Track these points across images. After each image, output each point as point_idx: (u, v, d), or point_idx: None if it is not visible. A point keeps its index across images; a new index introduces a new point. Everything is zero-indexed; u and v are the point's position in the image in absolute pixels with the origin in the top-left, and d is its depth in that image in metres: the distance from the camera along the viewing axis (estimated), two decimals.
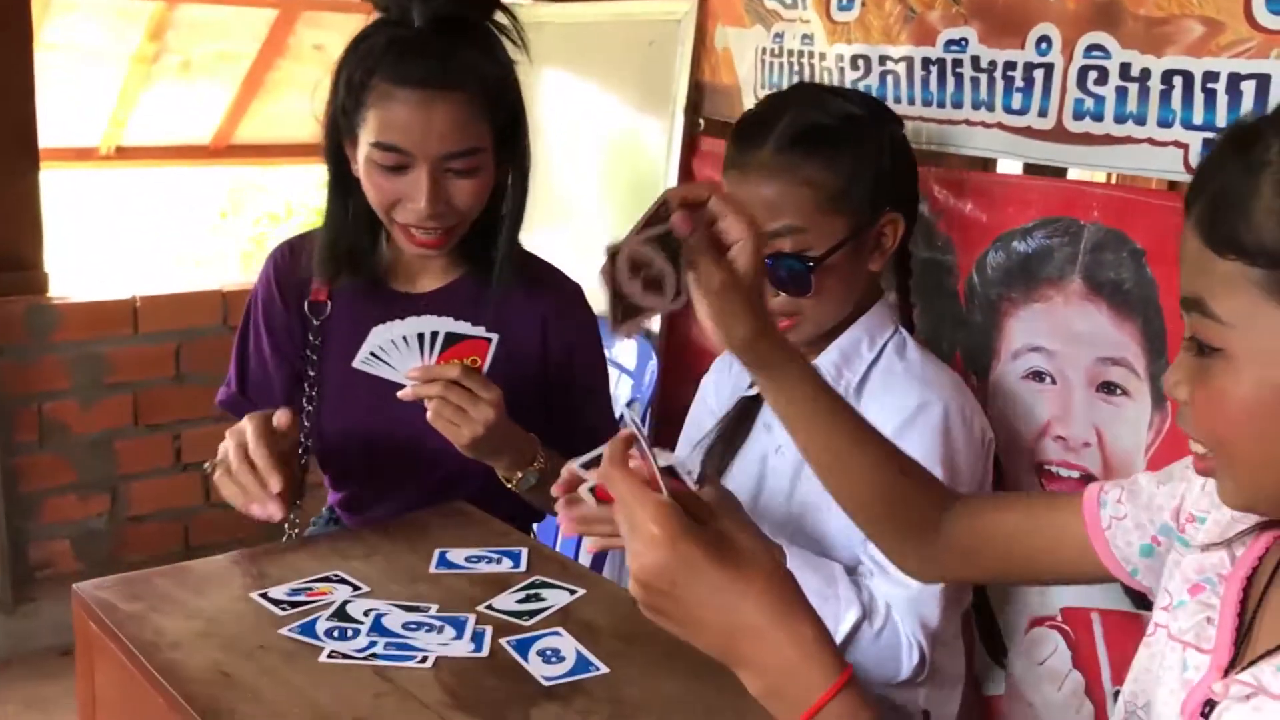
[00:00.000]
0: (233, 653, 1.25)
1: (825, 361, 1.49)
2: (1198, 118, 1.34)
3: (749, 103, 1.99)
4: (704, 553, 0.82)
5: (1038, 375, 1.58)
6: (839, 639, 1.37)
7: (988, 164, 1.67)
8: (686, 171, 2.14)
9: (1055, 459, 1.55)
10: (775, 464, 1.54)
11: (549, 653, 1.27)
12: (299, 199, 6.38)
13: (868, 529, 1.18)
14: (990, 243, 1.62)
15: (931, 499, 1.16)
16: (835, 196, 1.41)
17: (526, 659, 1.24)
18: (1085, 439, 1.52)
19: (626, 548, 0.84)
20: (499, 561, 1.50)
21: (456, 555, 1.51)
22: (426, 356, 1.50)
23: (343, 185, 1.64)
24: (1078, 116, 1.46)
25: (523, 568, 1.48)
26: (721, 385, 1.70)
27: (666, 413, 2.16)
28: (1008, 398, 1.58)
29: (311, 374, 1.71)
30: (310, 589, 1.40)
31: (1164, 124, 1.37)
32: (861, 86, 1.74)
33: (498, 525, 1.65)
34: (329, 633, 1.30)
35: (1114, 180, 1.65)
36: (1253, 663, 0.88)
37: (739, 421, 1.60)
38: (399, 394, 1.51)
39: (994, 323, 1.62)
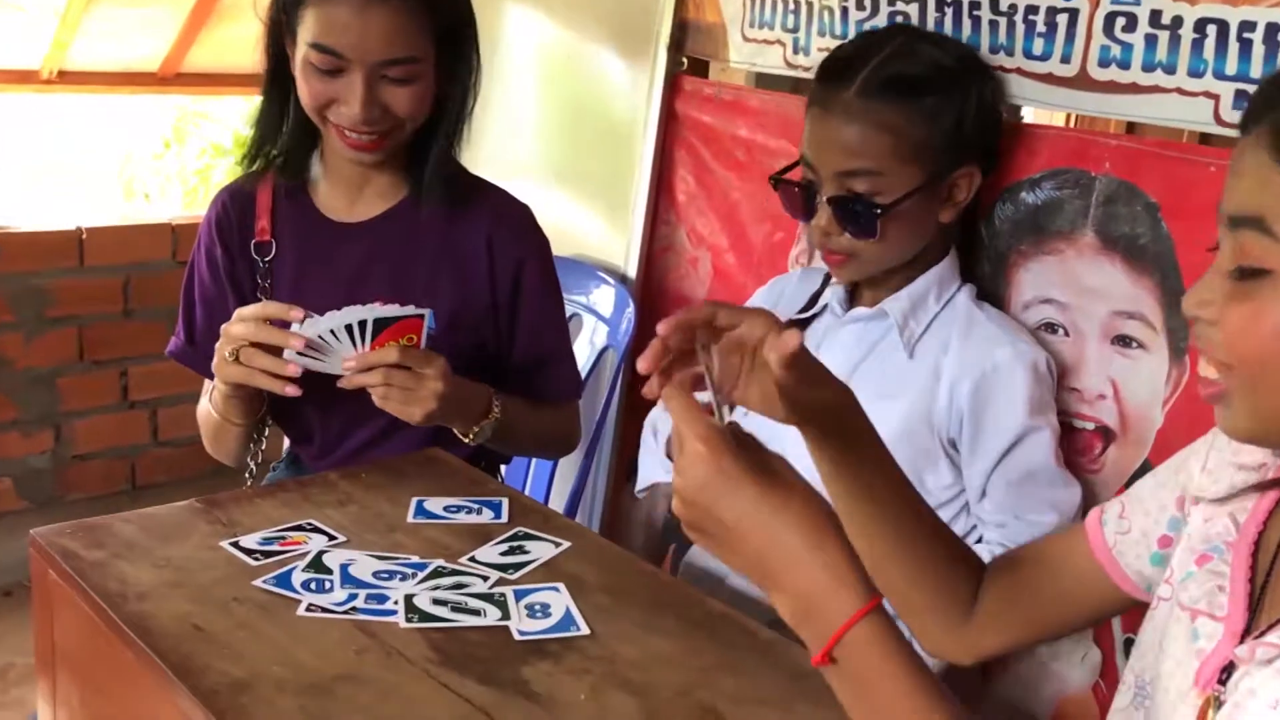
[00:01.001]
0: (205, 605, 1.17)
1: (894, 308, 1.48)
2: (1231, 68, 1.29)
3: (736, 41, 1.91)
4: (746, 472, 0.82)
5: (1050, 327, 1.53)
6: None
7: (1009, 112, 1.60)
8: (668, 113, 2.06)
9: (1070, 410, 1.51)
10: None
11: (536, 607, 1.21)
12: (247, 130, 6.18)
13: (904, 616, 1.13)
14: (998, 194, 1.56)
15: (968, 577, 1.13)
16: (914, 145, 1.40)
17: (511, 611, 1.19)
18: (1101, 391, 1.48)
19: (674, 465, 0.84)
20: (479, 512, 1.44)
21: (434, 505, 1.45)
22: (360, 345, 1.43)
23: (279, 84, 1.59)
24: (1103, 64, 1.40)
25: (504, 519, 1.42)
26: (766, 304, 1.63)
27: None
28: None
29: None
30: (284, 538, 1.33)
31: (1195, 74, 1.32)
32: (867, 27, 1.67)
33: (474, 473, 1.59)
34: (306, 585, 1.23)
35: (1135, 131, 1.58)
36: (1271, 627, 0.85)
37: None
38: (339, 384, 1.45)
39: (1003, 274, 1.57)
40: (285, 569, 1.25)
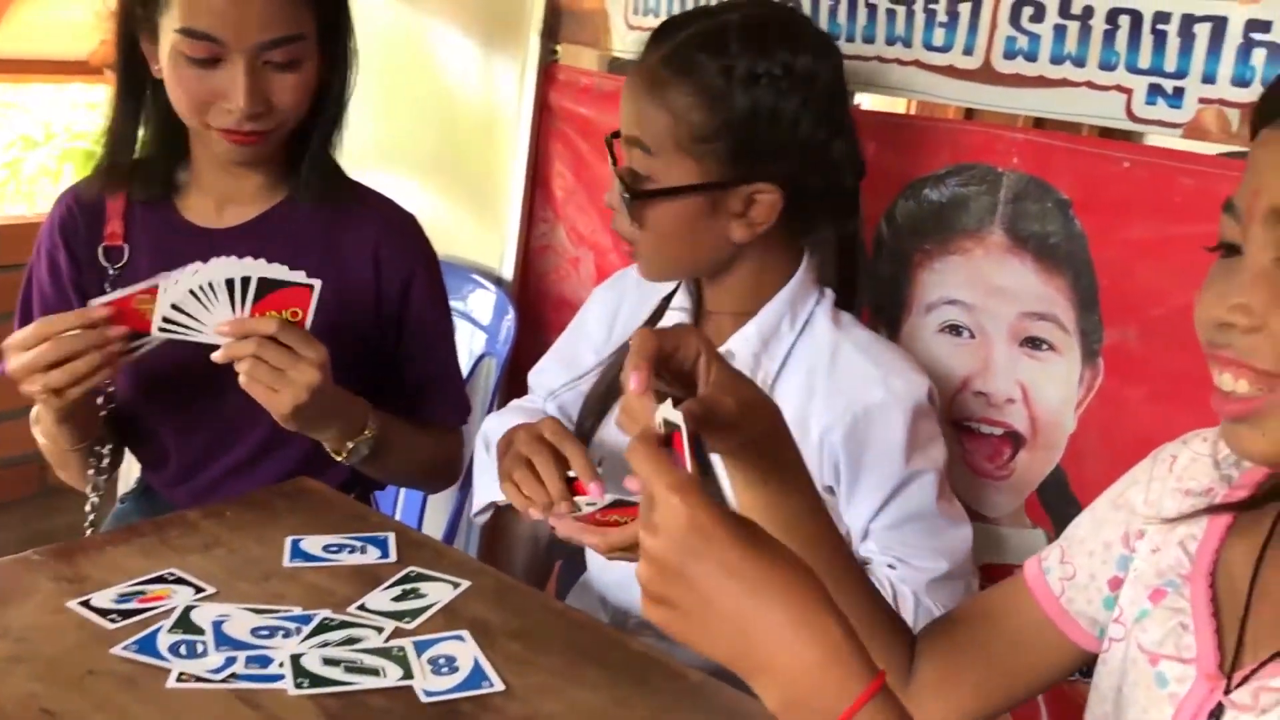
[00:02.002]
0: (54, 682, 1.02)
1: (742, 349, 1.30)
2: (1144, 62, 1.25)
3: (619, 29, 1.81)
4: (731, 537, 0.70)
5: (954, 329, 1.48)
6: None
7: (908, 106, 1.54)
8: (542, 105, 1.94)
9: (976, 415, 1.46)
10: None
11: (441, 660, 1.09)
12: (61, 121, 5.77)
13: None
14: (899, 190, 1.50)
15: (901, 641, 1.03)
16: (691, 133, 1.22)
17: (413, 668, 1.07)
18: (1009, 395, 1.44)
19: (642, 525, 0.72)
20: (363, 551, 1.30)
21: (312, 545, 1.30)
22: (238, 308, 1.28)
23: (133, 90, 1.42)
24: (1009, 56, 1.35)
25: (392, 557, 1.29)
26: (605, 316, 1.51)
27: (525, 368, 1.97)
28: (921, 352, 1.48)
29: None
30: (143, 593, 1.17)
31: (1106, 67, 1.28)
32: None
33: (353, 506, 1.45)
34: (174, 649, 1.08)
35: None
36: (1261, 666, 0.80)
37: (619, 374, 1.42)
38: (212, 356, 1.29)
39: (905, 274, 1.51)
40: (148, 631, 1.10)
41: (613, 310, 1.50)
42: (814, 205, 1.28)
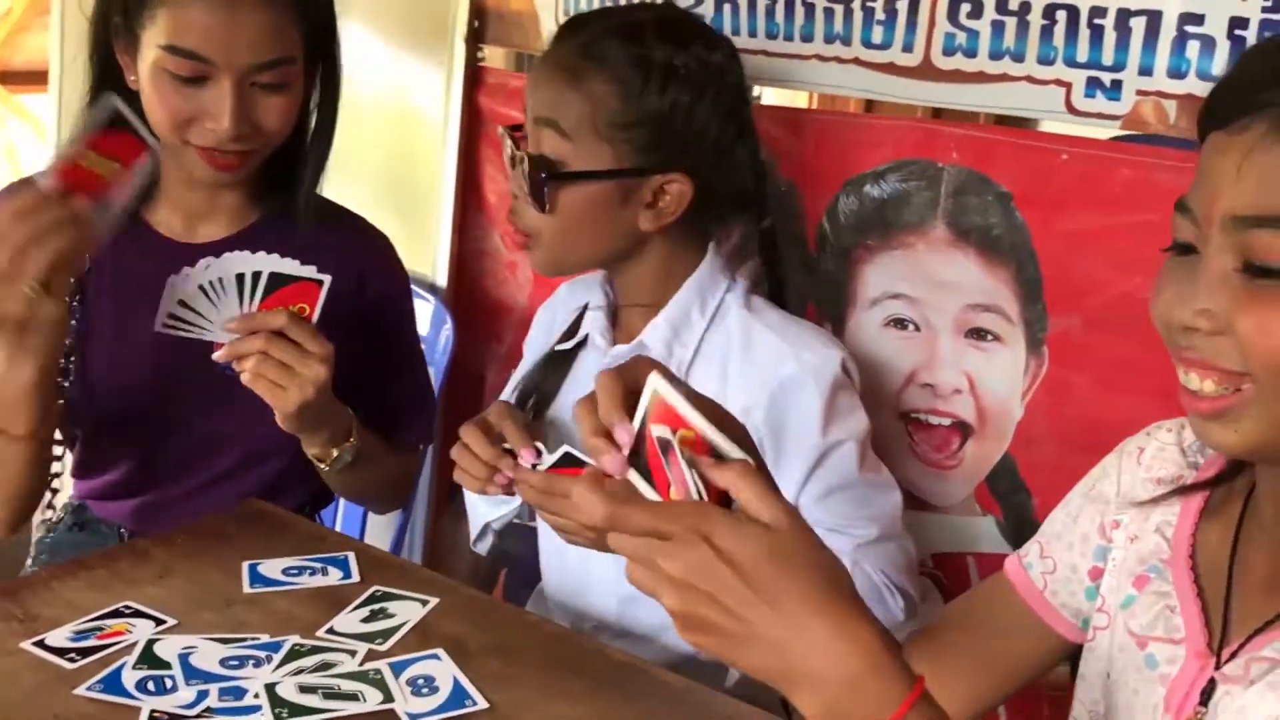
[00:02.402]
0: None
1: (653, 338, 1.30)
2: (1082, 55, 1.28)
3: (549, 28, 1.79)
4: (758, 552, 0.70)
5: (899, 322, 1.50)
6: None
7: (851, 104, 1.56)
8: (472, 110, 1.92)
9: (923, 407, 1.48)
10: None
11: (420, 681, 1.07)
12: None
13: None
14: (840, 187, 1.52)
15: None
16: (607, 118, 1.23)
17: (392, 691, 1.04)
18: (956, 386, 1.46)
19: (660, 552, 0.71)
20: (324, 572, 1.27)
21: (271, 568, 1.27)
22: (247, 303, 1.25)
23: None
24: (948, 53, 1.37)
25: (355, 577, 1.26)
26: (544, 327, 1.52)
27: (465, 380, 1.95)
28: (867, 346, 1.50)
29: (68, 341, 1.40)
30: (101, 629, 1.13)
31: (1045, 61, 1.30)
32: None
33: (309, 526, 1.43)
34: (141, 685, 1.04)
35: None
36: (1248, 640, 0.83)
37: (545, 378, 1.42)
38: (214, 355, 1.26)
39: (848, 270, 1.53)
40: (111, 669, 1.06)
41: (550, 320, 1.51)
42: (720, 198, 1.31)
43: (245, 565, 1.27)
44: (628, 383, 0.81)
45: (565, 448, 1.14)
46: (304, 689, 1.03)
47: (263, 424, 1.38)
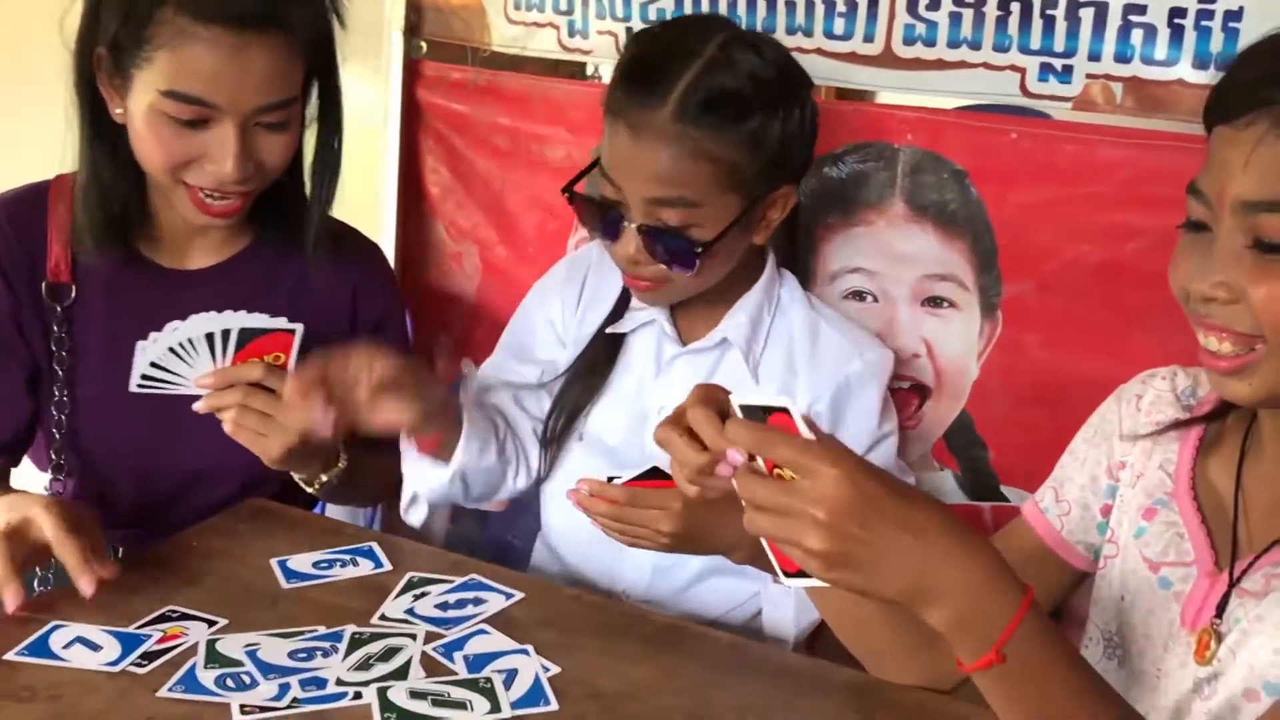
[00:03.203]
0: None
1: (736, 335, 1.38)
2: (1035, 43, 1.40)
3: (498, 24, 1.83)
4: (884, 489, 0.79)
5: (858, 295, 1.60)
6: None
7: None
8: (410, 104, 1.93)
9: None
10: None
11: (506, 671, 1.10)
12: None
13: (888, 666, 1.12)
14: None
15: None
16: (734, 173, 1.26)
17: (500, 701, 1.05)
18: (915, 351, 1.57)
19: (803, 497, 0.78)
20: (354, 563, 1.30)
21: (301, 563, 1.29)
22: (219, 359, 1.26)
23: (101, 130, 1.30)
24: (908, 42, 1.47)
25: (387, 565, 1.30)
26: (569, 305, 1.52)
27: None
28: None
29: (60, 372, 1.37)
30: (159, 632, 1.13)
31: (1000, 49, 1.42)
32: (654, 11, 1.65)
33: (318, 520, 1.46)
34: (221, 682, 1.06)
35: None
36: (1259, 557, 0.96)
37: (602, 360, 1.47)
38: (194, 407, 1.26)
39: (810, 247, 1.62)
40: (184, 670, 1.07)
41: (576, 294, 1.51)
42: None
43: (274, 562, 1.28)
44: (713, 408, 0.90)
45: (654, 464, 1.20)
46: (414, 695, 1.05)
47: (250, 454, 1.38)
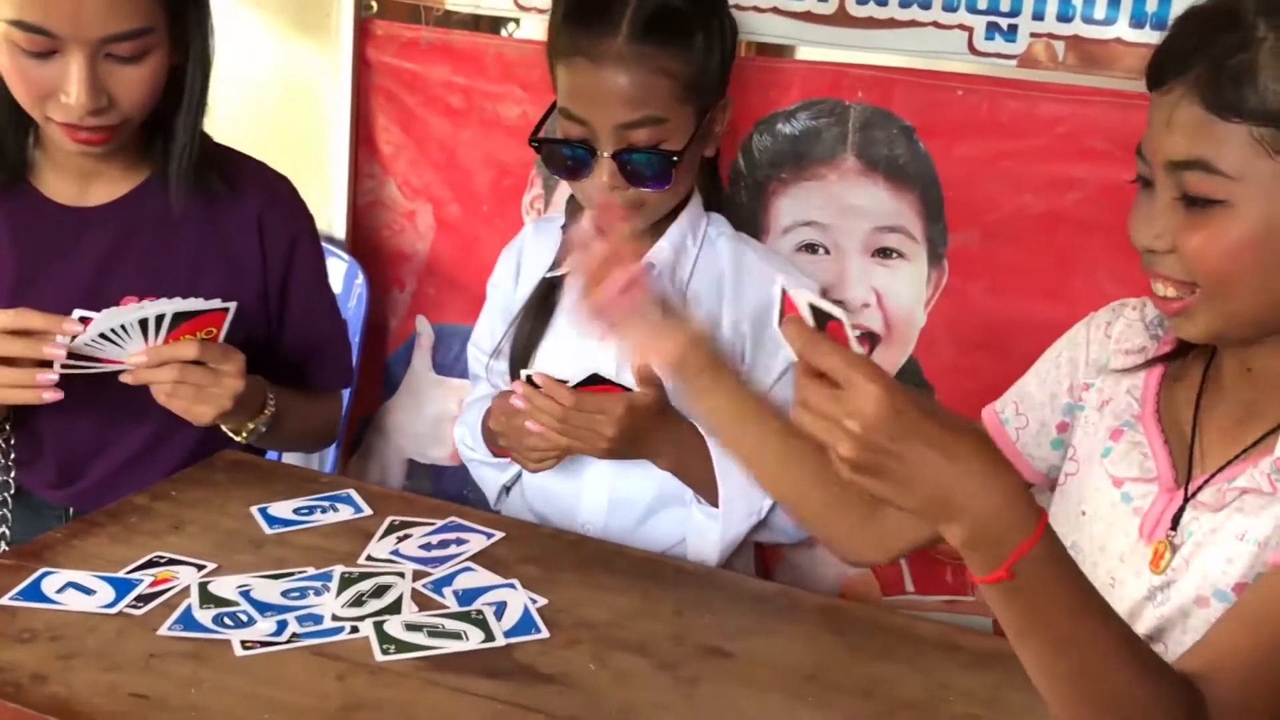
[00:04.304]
0: (125, 670, 1.01)
1: (660, 260, 1.44)
2: (983, 3, 1.47)
3: None
4: (919, 409, 0.82)
5: (810, 248, 1.66)
6: (766, 508, 1.39)
7: (764, 49, 1.69)
8: (361, 63, 1.94)
9: None
10: (600, 354, 1.49)
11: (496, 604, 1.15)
12: None
13: (824, 537, 1.19)
14: (753, 126, 1.66)
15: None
16: (690, 85, 1.34)
17: (494, 631, 1.10)
18: (864, 300, 1.64)
19: (838, 407, 0.81)
20: (334, 509, 1.33)
21: (282, 510, 1.32)
22: (152, 339, 1.26)
23: None
24: (861, 1, 1.53)
25: (367, 510, 1.33)
26: (509, 274, 1.59)
27: (369, 328, 1.99)
28: None
29: None
30: (150, 576, 1.15)
31: (949, 8, 1.49)
32: None
33: (294, 470, 1.49)
34: (219, 620, 1.09)
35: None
36: (1214, 475, 1.04)
37: (541, 303, 1.52)
38: (121, 378, 1.27)
39: (761, 202, 1.68)
40: (180, 610, 1.10)
41: (514, 265, 1.58)
42: None
43: (255, 510, 1.30)
44: None
45: (594, 371, 1.25)
46: (410, 627, 1.09)
47: None
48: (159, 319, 1.24)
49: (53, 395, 1.24)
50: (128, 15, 1.24)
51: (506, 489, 1.54)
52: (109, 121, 1.28)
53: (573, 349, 1.49)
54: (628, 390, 1.32)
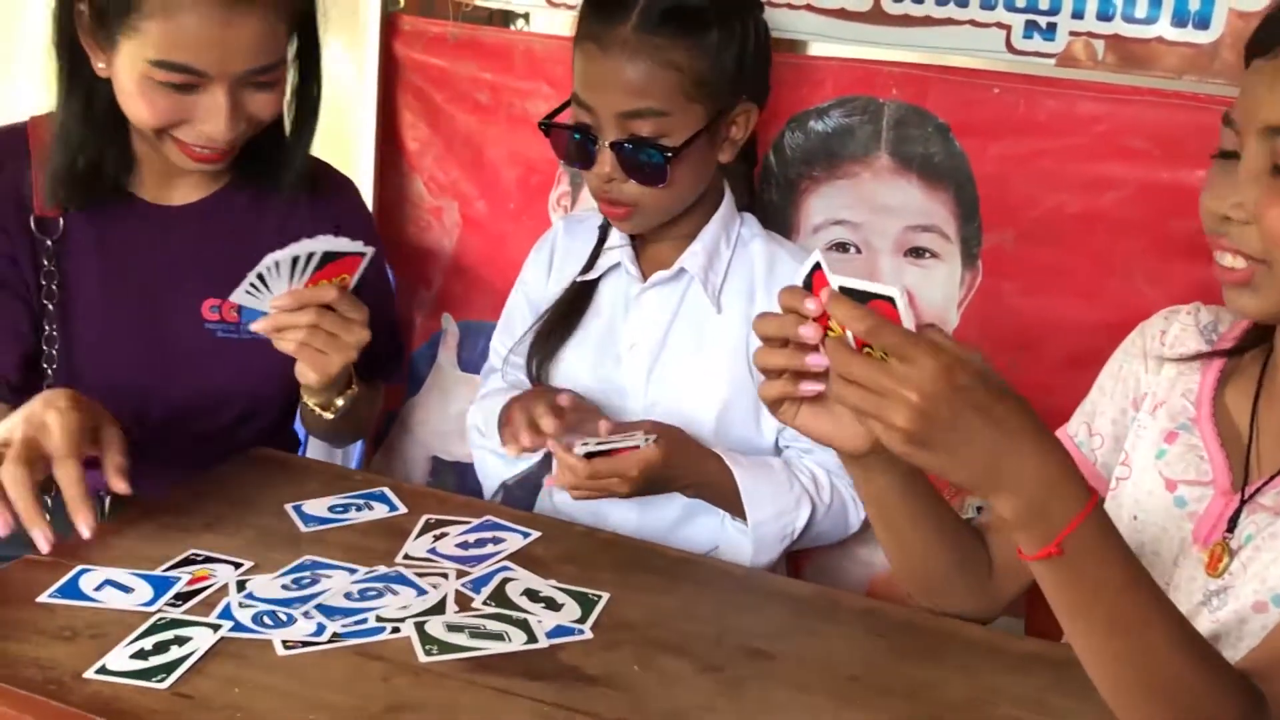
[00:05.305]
0: None
1: (693, 264, 1.44)
2: (1021, 1, 1.46)
3: None
4: (977, 381, 0.82)
5: (841, 246, 1.65)
6: (799, 529, 1.38)
7: (796, 45, 1.67)
8: (388, 59, 1.93)
9: None
10: (630, 361, 1.48)
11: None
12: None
13: (941, 597, 1.16)
14: (784, 123, 1.65)
15: (978, 541, 1.17)
16: (698, 82, 1.33)
17: (536, 633, 1.08)
18: None
19: (894, 379, 0.81)
20: (370, 507, 1.32)
21: (317, 508, 1.31)
22: (296, 280, 1.26)
23: (79, 86, 1.32)
24: None
25: (402, 509, 1.32)
26: (540, 274, 1.58)
27: (404, 325, 1.98)
28: None
29: (50, 307, 1.37)
30: (187, 574, 1.15)
31: (987, 6, 1.47)
32: None
33: (325, 467, 1.48)
34: (259, 619, 1.08)
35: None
36: (1273, 476, 1.02)
37: (570, 306, 1.51)
38: (253, 326, 1.27)
39: (792, 200, 1.66)
40: (220, 608, 1.09)
41: (546, 262, 1.58)
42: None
43: (289, 507, 1.30)
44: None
45: (612, 440, 1.30)
46: (451, 628, 1.08)
47: (255, 380, 1.40)
48: (309, 258, 1.24)
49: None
50: (270, 50, 1.30)
51: (505, 485, 1.52)
52: (232, 143, 1.33)
53: (592, 361, 1.49)
54: (636, 449, 1.30)
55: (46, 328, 1.37)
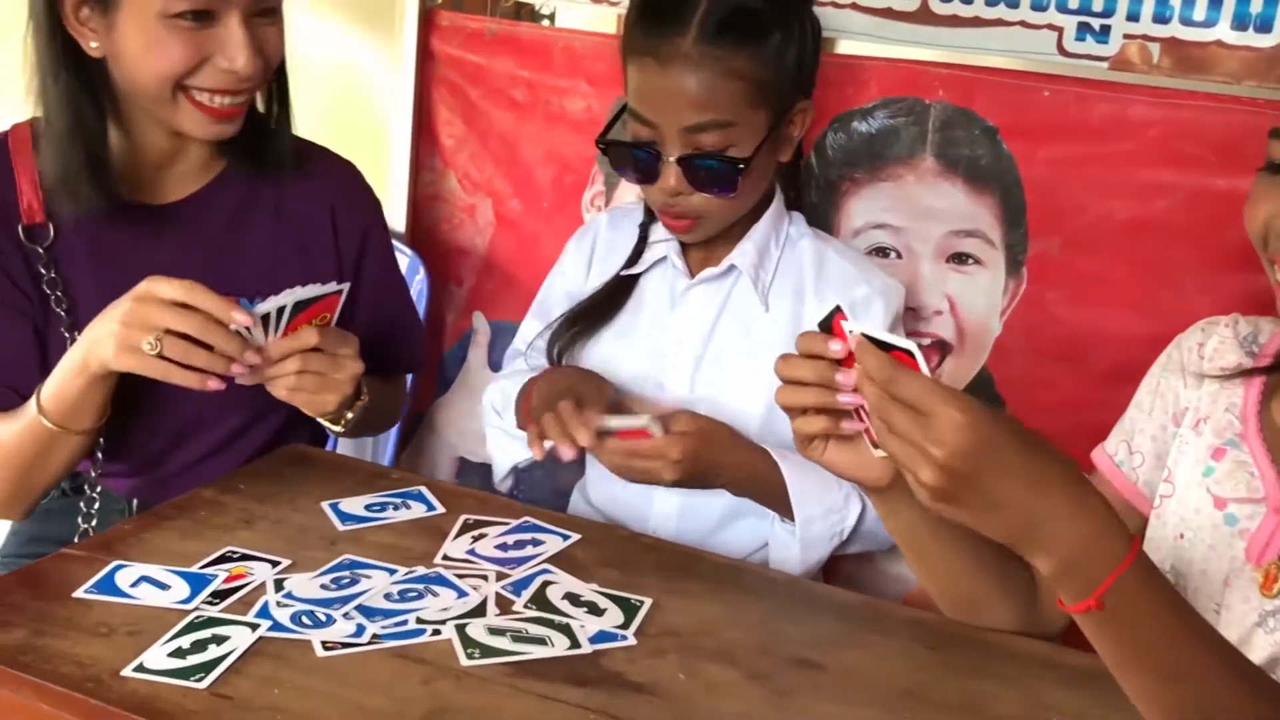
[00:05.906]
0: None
1: (744, 263, 1.42)
2: (1073, 1, 1.43)
3: None
4: (1007, 437, 0.80)
5: (882, 251, 1.63)
6: (849, 528, 1.35)
7: (840, 45, 1.65)
8: (425, 55, 1.91)
9: (906, 328, 1.60)
10: (677, 356, 1.46)
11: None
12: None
13: (991, 619, 1.13)
14: (827, 124, 1.63)
15: (1023, 564, 1.16)
16: (762, 88, 1.31)
17: (579, 638, 1.06)
18: (937, 308, 1.60)
19: (926, 438, 0.79)
20: (407, 506, 1.30)
21: (353, 506, 1.29)
22: (272, 334, 1.23)
23: (74, 74, 1.28)
24: None
25: (440, 508, 1.30)
26: (581, 264, 1.56)
27: (435, 323, 1.97)
28: None
29: (61, 314, 1.34)
30: (224, 572, 1.13)
31: (1038, 7, 1.45)
32: None
33: (361, 465, 1.45)
34: (297, 619, 1.05)
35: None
36: None
37: (609, 299, 1.49)
38: (239, 380, 1.23)
39: (833, 202, 1.64)
40: (258, 607, 1.07)
41: (588, 254, 1.55)
42: None
43: (325, 505, 1.28)
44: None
45: (646, 418, 1.26)
46: (493, 631, 1.05)
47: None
48: (279, 312, 1.22)
49: (216, 385, 1.21)
50: None
51: (517, 469, 1.49)
52: (255, 84, 1.30)
53: (633, 353, 1.47)
54: (644, 430, 1.27)
55: (66, 335, 1.34)
